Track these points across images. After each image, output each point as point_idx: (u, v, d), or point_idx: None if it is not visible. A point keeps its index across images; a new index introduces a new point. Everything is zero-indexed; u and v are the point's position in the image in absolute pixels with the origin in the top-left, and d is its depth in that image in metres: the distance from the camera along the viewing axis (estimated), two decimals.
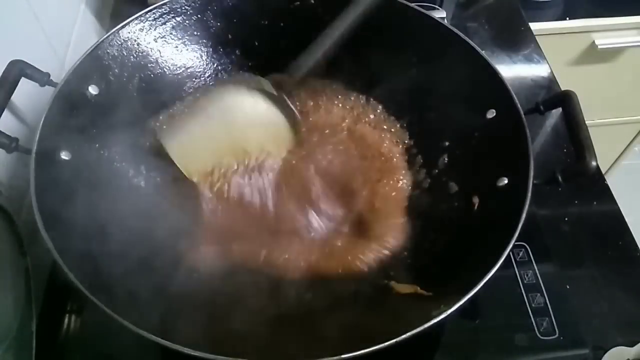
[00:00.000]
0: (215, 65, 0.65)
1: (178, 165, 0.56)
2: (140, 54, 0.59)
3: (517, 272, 0.58)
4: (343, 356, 0.38)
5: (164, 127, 0.60)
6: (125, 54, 0.57)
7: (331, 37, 0.54)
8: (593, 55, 1.02)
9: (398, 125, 0.64)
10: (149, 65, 0.60)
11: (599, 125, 1.19)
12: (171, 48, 0.62)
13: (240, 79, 0.59)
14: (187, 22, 0.62)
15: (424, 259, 0.53)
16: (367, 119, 0.65)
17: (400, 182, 0.61)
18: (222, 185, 0.57)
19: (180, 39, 0.62)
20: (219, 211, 0.57)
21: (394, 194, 0.60)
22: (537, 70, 0.82)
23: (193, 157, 0.56)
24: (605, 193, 0.66)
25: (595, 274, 0.60)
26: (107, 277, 0.46)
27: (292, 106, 0.57)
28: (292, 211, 0.58)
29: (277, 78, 0.56)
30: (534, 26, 0.89)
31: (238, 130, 0.57)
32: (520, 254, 0.60)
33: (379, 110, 0.65)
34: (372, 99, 0.65)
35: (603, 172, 0.70)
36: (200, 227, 0.56)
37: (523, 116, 0.50)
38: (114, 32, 0.56)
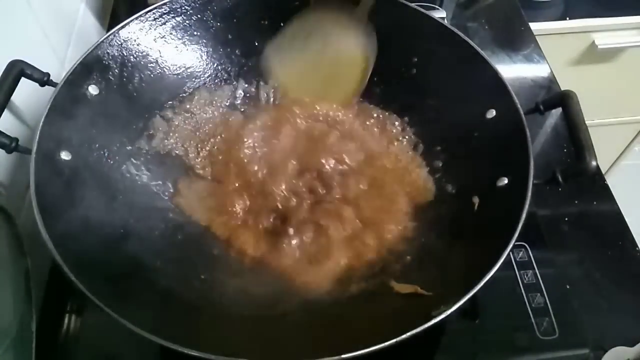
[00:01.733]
0: (215, 65, 0.65)
1: (276, 79, 0.65)
2: (140, 54, 0.59)
3: (517, 272, 0.58)
4: (343, 356, 0.38)
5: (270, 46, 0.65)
6: (125, 54, 0.57)
7: None
8: (593, 55, 1.02)
9: (398, 126, 0.64)
10: (149, 65, 0.60)
11: (599, 125, 1.19)
12: (171, 48, 0.62)
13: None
14: (187, 22, 0.62)
15: (424, 259, 0.53)
16: (366, 120, 0.65)
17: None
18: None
19: (180, 39, 0.62)
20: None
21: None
22: (537, 70, 0.82)
23: (291, 76, 0.65)
24: (605, 193, 0.66)
25: (595, 274, 0.60)
26: (108, 276, 0.46)
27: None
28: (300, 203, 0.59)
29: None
30: (534, 26, 0.89)
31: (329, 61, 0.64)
32: (520, 254, 0.60)
33: (378, 111, 0.65)
34: (371, 100, 0.65)
35: (603, 172, 0.70)
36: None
37: (523, 116, 0.50)
38: (114, 32, 0.56)
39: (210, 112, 0.64)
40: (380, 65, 0.64)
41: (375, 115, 0.65)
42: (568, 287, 0.58)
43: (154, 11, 0.59)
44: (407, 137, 0.63)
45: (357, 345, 0.38)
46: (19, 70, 0.49)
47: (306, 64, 0.64)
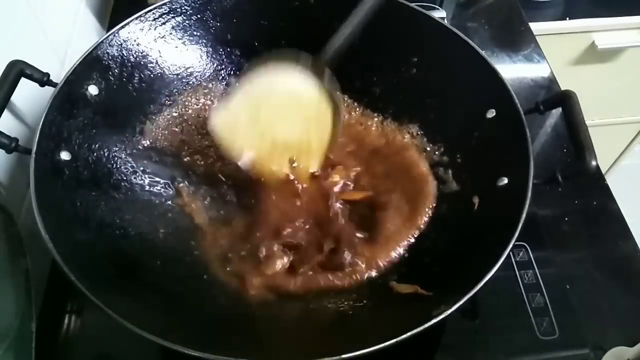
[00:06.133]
0: (215, 65, 0.65)
1: (222, 142, 0.54)
2: (140, 54, 0.59)
3: (517, 272, 0.58)
4: (343, 356, 0.38)
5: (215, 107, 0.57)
6: (125, 54, 0.57)
7: (351, 26, 0.53)
8: (593, 55, 1.02)
9: (397, 126, 0.64)
10: (148, 65, 0.60)
11: (599, 125, 1.19)
12: (171, 48, 0.62)
13: (285, 56, 0.53)
14: (187, 22, 0.62)
15: (425, 259, 0.53)
16: (366, 120, 0.65)
17: None
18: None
19: (180, 39, 0.62)
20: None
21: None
22: (537, 70, 0.82)
23: (237, 135, 0.54)
24: (605, 193, 0.66)
25: (595, 274, 0.60)
26: (107, 277, 0.46)
27: (337, 90, 0.54)
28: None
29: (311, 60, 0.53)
30: (534, 26, 0.89)
31: (283, 113, 0.54)
32: (520, 254, 0.60)
33: (378, 111, 0.65)
34: (371, 100, 0.65)
35: (603, 172, 0.70)
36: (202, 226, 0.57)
37: (523, 116, 0.50)
38: (114, 32, 0.56)
39: (210, 112, 0.64)
40: (380, 65, 0.64)
41: (374, 115, 0.65)
42: (568, 287, 0.58)
43: (153, 11, 0.59)
44: (406, 137, 0.63)
45: (357, 345, 0.38)
46: (19, 70, 0.49)
47: (260, 129, 0.55)
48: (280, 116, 0.55)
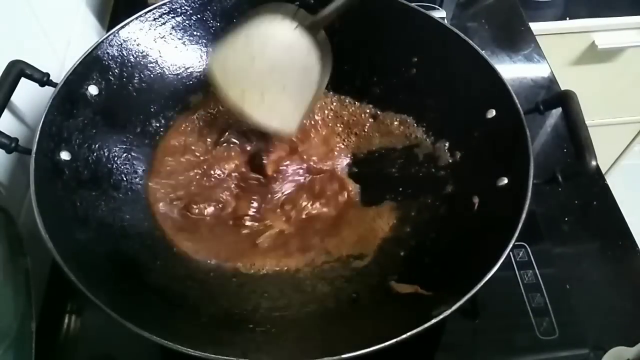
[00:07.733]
0: None
1: (218, 85, 0.56)
2: (140, 54, 0.59)
3: (517, 272, 0.58)
4: (343, 356, 0.38)
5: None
6: (125, 54, 0.57)
7: None
8: (593, 55, 1.02)
9: (397, 126, 0.64)
10: (148, 65, 0.60)
11: (599, 125, 1.19)
12: (171, 48, 0.62)
13: (282, 9, 0.55)
14: (187, 22, 0.62)
15: (425, 259, 0.53)
16: (366, 120, 0.65)
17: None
18: None
19: (180, 39, 0.62)
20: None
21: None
22: (537, 70, 0.82)
23: (230, 82, 0.56)
24: (605, 193, 0.66)
25: (595, 274, 0.60)
26: (107, 276, 0.46)
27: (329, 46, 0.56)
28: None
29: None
30: (534, 26, 0.89)
31: (273, 63, 0.55)
32: (520, 254, 0.60)
33: (378, 111, 0.65)
34: (371, 100, 0.65)
35: (603, 172, 0.70)
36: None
37: (523, 116, 0.50)
38: (114, 32, 0.56)
39: (210, 112, 0.65)
40: (380, 65, 0.64)
41: (375, 115, 0.65)
42: (568, 287, 0.58)
43: (154, 11, 0.59)
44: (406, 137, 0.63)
45: (357, 345, 0.38)
46: (19, 70, 0.49)
47: (252, 79, 0.56)
48: (272, 69, 0.56)
